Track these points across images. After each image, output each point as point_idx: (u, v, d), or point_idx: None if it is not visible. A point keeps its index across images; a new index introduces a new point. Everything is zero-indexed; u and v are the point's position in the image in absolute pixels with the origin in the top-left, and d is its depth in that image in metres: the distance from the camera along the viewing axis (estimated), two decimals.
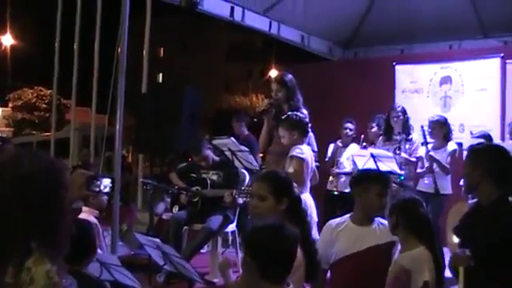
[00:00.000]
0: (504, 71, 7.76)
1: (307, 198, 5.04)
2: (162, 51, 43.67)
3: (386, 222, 3.64)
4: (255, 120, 5.62)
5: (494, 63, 7.84)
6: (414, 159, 6.55)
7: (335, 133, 7.65)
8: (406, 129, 6.67)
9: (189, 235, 6.06)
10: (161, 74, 42.99)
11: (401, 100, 8.31)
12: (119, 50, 7.41)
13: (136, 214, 8.75)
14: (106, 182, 2.66)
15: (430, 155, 6.30)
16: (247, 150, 5.24)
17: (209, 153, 5.98)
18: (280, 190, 3.29)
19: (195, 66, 41.29)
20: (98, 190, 2.61)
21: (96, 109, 12.59)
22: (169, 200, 8.55)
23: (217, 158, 6.07)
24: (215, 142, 5.48)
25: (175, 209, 6.15)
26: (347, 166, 7.31)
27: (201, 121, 8.13)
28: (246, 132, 8.05)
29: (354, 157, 6.35)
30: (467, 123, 7.86)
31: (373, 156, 5.95)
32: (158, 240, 3.81)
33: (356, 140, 7.39)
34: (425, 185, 6.42)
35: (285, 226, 2.43)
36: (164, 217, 8.15)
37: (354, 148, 7.30)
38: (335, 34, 9.77)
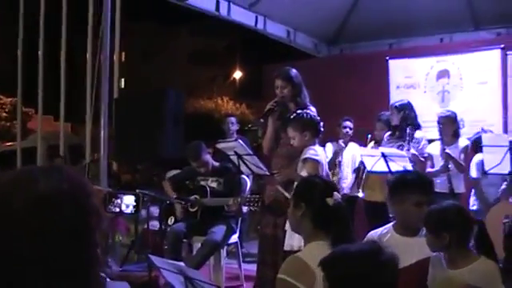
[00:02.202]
0: (505, 63, 7.41)
1: None
2: (123, 56, 42.90)
3: None
4: (261, 120, 5.10)
5: (494, 55, 7.49)
6: (422, 159, 6.10)
7: (328, 133, 7.19)
8: (405, 126, 6.16)
9: (188, 249, 5.53)
10: (123, 80, 42.26)
11: (396, 96, 7.90)
12: (102, 56, 6.95)
13: (125, 224, 8.13)
14: (129, 199, 2.08)
15: (447, 153, 5.87)
16: (253, 153, 4.73)
17: (208, 158, 5.45)
18: (297, 194, 2.89)
19: (157, 71, 40.73)
20: (118, 210, 2.05)
21: (55, 117, 11.89)
22: (154, 209, 8.05)
23: (216, 164, 5.55)
24: (220, 145, 4.94)
25: (171, 220, 5.60)
26: (346, 167, 6.92)
27: (184, 125, 7.68)
28: (235, 135, 7.58)
29: (363, 157, 5.89)
30: (467, 118, 7.49)
31: (384, 156, 5.51)
32: (181, 264, 3.26)
33: (354, 139, 7.00)
34: (437, 184, 5.97)
35: (380, 249, 1.89)
36: (149, 227, 7.61)
37: (353, 147, 6.91)
38: (321, 30, 9.36)
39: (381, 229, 3.36)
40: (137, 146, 7.21)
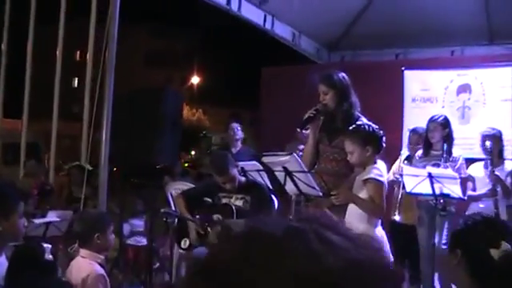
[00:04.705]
0: None
1: (382, 234, 3.91)
2: (77, 55, 41.50)
3: None
4: (298, 130, 4.37)
5: None
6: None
7: None
8: (448, 143, 5.55)
9: None
10: (76, 79, 41.13)
11: (411, 110, 7.34)
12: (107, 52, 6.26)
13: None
14: None
15: (496, 175, 5.26)
16: (308, 171, 3.97)
17: (235, 172, 4.65)
18: (453, 237, 2.25)
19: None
20: None
21: (3, 113, 10.73)
22: (134, 222, 7.35)
23: (242, 179, 4.76)
24: (267, 159, 4.17)
25: (184, 243, 4.77)
26: None
27: (182, 130, 6.93)
28: (240, 145, 6.80)
29: (404, 177, 5.21)
30: None
31: (430, 176, 4.86)
32: None
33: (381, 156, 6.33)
34: (480, 209, 5.34)
35: None
36: (129, 242, 6.82)
37: (381, 165, 6.21)
38: (324, 35, 8.72)
39: None
40: (129, 151, 6.43)
